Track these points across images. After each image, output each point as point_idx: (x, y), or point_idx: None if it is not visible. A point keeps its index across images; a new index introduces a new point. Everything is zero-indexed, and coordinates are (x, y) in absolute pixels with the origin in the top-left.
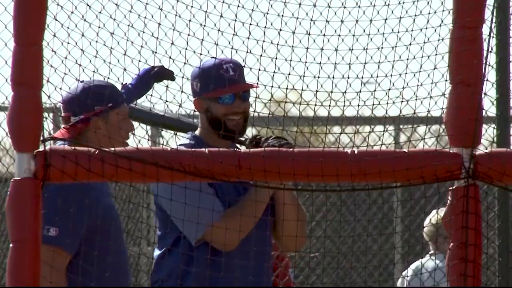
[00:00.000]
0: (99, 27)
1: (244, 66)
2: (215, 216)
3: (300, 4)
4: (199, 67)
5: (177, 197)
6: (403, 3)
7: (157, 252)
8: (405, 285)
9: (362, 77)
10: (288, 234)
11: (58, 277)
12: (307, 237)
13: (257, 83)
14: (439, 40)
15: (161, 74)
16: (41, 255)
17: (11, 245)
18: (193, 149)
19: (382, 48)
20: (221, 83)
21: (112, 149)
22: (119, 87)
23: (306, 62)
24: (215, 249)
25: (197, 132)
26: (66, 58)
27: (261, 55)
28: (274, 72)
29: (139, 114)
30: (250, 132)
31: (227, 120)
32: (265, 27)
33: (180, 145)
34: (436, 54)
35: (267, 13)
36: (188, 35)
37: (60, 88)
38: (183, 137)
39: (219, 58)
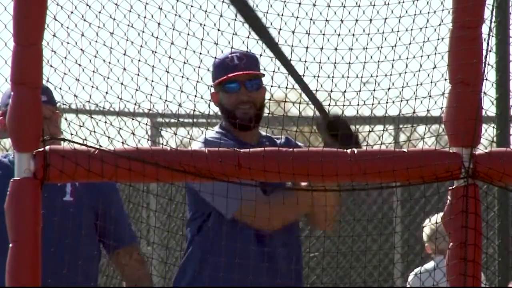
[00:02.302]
0: (99, 27)
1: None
2: (257, 193)
3: (300, 4)
4: (214, 62)
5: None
6: (403, 2)
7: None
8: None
9: (361, 77)
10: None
11: None
12: (308, 237)
13: (262, 72)
14: (438, 39)
15: None
16: None
17: (10, 245)
18: (192, 149)
19: (381, 47)
20: (224, 72)
21: (112, 148)
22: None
23: (305, 61)
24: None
25: (224, 124)
26: (65, 58)
27: (261, 55)
28: (274, 72)
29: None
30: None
31: (236, 110)
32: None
33: (208, 138)
34: (435, 54)
35: (267, 13)
36: (188, 34)
37: (60, 88)
38: (211, 129)
39: (231, 51)
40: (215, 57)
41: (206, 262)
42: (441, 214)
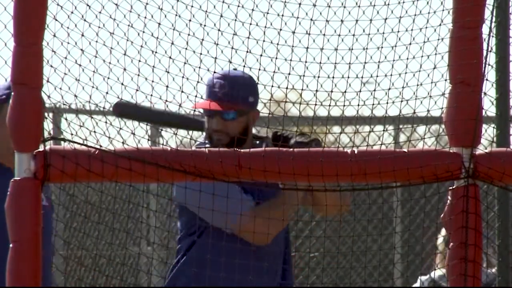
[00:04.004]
0: (99, 27)
1: (257, 82)
2: (244, 207)
3: (300, 4)
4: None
5: (205, 196)
6: (403, 3)
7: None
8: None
9: (362, 77)
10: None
11: None
12: (309, 236)
13: (233, 107)
14: (438, 39)
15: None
16: None
17: (11, 245)
18: (193, 149)
19: (381, 48)
20: (206, 94)
21: (112, 149)
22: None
23: (306, 62)
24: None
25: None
26: (66, 58)
27: (261, 55)
28: (274, 72)
29: (136, 111)
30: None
31: (212, 134)
32: (265, 26)
33: (197, 145)
34: (436, 54)
35: (267, 13)
36: (188, 35)
37: (60, 88)
38: (198, 140)
39: (227, 71)
40: (214, 72)
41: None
42: None
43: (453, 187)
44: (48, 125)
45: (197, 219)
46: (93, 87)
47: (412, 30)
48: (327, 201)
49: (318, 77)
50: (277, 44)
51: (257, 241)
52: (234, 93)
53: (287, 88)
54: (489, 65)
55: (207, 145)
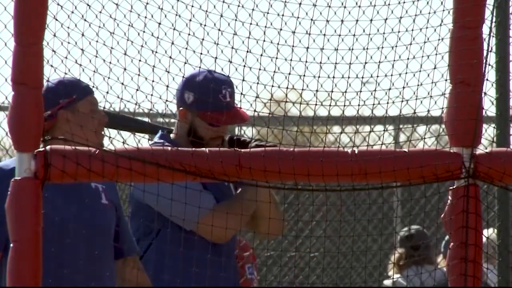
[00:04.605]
0: (99, 27)
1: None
2: (203, 209)
3: (300, 4)
4: (193, 79)
5: (165, 191)
6: (403, 3)
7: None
8: None
9: (362, 77)
10: (265, 219)
11: None
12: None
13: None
14: (439, 40)
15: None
16: None
17: (11, 245)
18: (193, 149)
19: (382, 48)
20: (218, 109)
21: (113, 148)
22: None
23: (306, 61)
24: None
25: (172, 135)
26: (66, 58)
27: (261, 55)
28: (274, 71)
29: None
30: (250, 131)
31: (210, 141)
32: (265, 26)
33: (152, 144)
34: (436, 54)
35: (267, 13)
36: (189, 34)
37: None
38: (155, 137)
39: (214, 74)
40: (193, 78)
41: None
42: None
43: (454, 187)
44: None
45: (155, 218)
46: (93, 86)
47: (412, 30)
48: (269, 229)
49: (318, 77)
50: (277, 44)
51: (216, 238)
52: (234, 93)
53: (287, 88)
54: (489, 65)
55: (166, 144)
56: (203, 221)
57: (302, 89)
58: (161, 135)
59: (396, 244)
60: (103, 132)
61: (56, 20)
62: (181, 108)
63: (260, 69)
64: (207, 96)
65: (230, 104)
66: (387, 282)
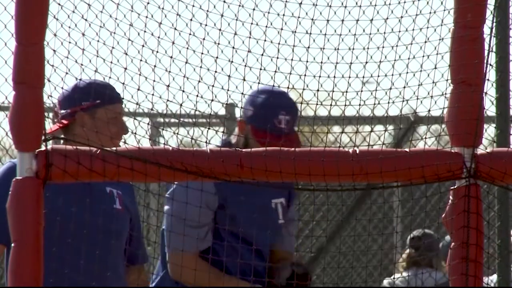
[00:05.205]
0: (100, 27)
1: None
2: (189, 246)
3: (300, 4)
4: (259, 95)
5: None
6: (403, 3)
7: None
8: None
9: (362, 77)
10: None
11: None
12: (308, 236)
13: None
14: (439, 40)
15: None
16: None
17: (12, 244)
18: (194, 149)
19: (382, 47)
20: (270, 132)
21: (114, 148)
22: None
23: (306, 61)
24: None
25: (233, 140)
26: (66, 57)
27: (262, 55)
28: (274, 71)
29: None
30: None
31: None
32: (265, 26)
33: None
34: (436, 54)
35: (268, 13)
36: (189, 34)
37: (61, 88)
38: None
39: (278, 97)
40: (257, 95)
41: None
42: None
43: (455, 187)
44: (49, 125)
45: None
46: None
47: (413, 30)
48: None
49: (319, 76)
50: (278, 43)
51: (173, 275)
52: (295, 122)
53: (287, 88)
54: (490, 65)
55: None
56: (176, 260)
57: (302, 89)
58: (225, 141)
59: (397, 243)
60: (121, 142)
61: (57, 19)
62: (240, 119)
63: (260, 69)
64: (263, 117)
65: (283, 131)
66: (386, 282)
